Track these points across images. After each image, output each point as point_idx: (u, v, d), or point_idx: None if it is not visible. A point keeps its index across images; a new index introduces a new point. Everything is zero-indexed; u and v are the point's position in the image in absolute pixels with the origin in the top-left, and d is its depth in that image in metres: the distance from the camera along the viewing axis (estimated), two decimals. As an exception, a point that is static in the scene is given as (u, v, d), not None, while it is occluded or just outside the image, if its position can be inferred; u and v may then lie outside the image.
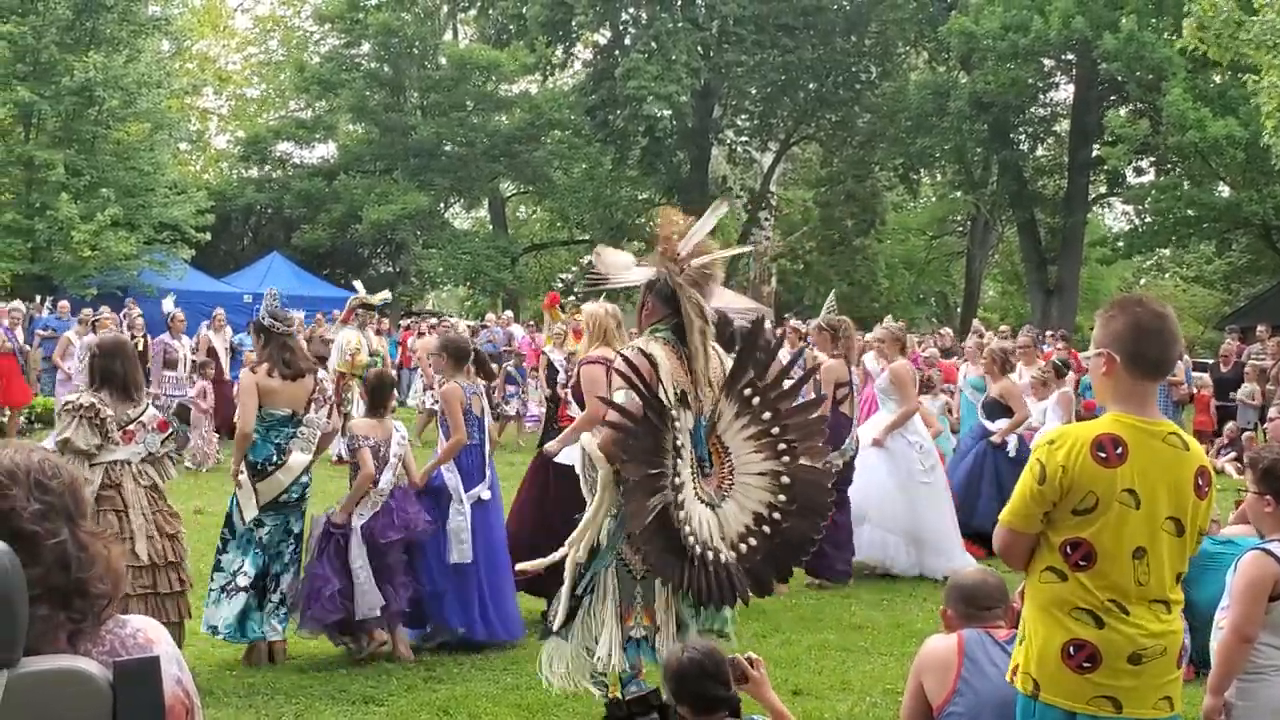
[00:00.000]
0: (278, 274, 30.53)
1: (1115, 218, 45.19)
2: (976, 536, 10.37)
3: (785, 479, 5.02)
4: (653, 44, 34.84)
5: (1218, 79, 27.95)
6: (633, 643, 5.04)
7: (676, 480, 4.78)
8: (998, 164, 35.22)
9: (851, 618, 8.71)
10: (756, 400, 5.04)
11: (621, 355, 5.04)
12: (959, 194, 39.78)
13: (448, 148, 36.69)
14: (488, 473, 7.79)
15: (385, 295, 17.85)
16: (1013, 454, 11.00)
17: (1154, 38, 27.57)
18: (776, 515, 4.99)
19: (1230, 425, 17.69)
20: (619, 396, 4.97)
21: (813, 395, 6.90)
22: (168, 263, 27.65)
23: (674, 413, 4.83)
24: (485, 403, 7.98)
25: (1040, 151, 38.42)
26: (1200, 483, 3.53)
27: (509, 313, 29.73)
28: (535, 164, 37.18)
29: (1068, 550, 3.48)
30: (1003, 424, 11.25)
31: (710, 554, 4.78)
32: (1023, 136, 36.20)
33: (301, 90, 39.34)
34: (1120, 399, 3.54)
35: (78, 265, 25.40)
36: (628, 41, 37.11)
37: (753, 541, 4.93)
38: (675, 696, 4.12)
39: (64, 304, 21.70)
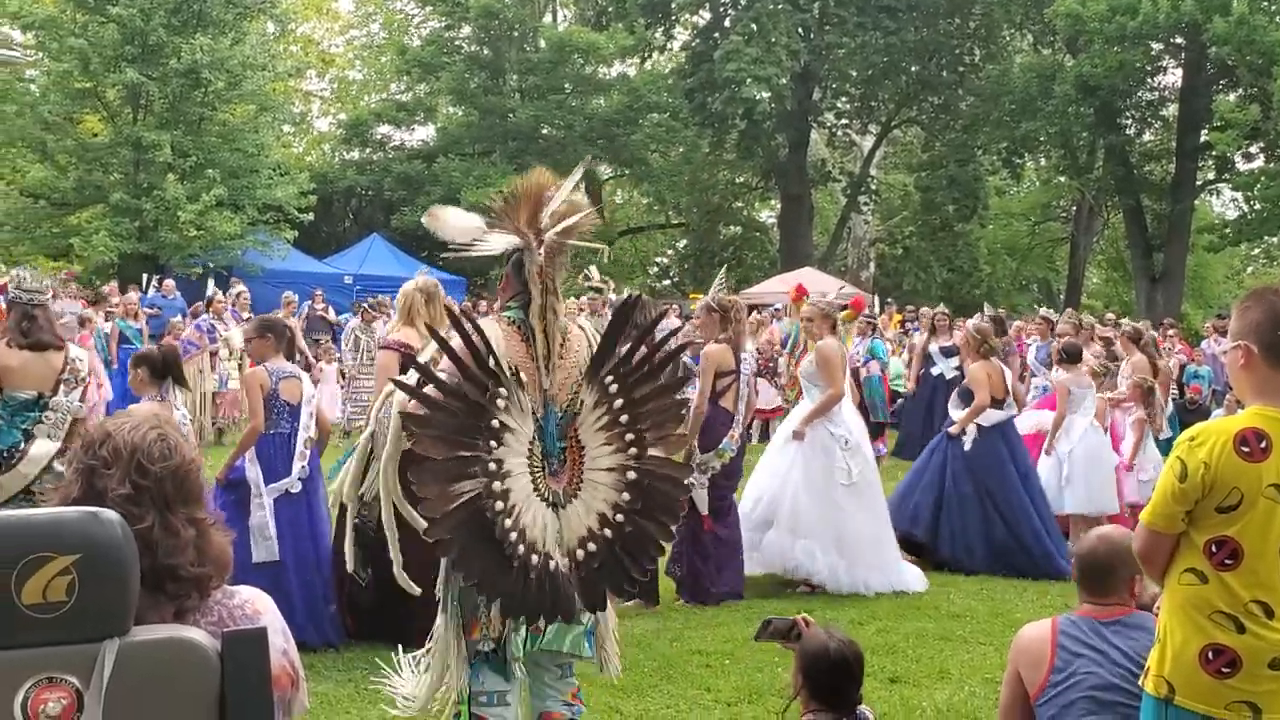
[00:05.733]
0: (377, 255, 30.90)
1: (1223, 204, 44.22)
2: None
3: (631, 474, 4.35)
4: (752, 26, 34.65)
5: (1331, 64, 27.23)
6: (480, 657, 4.37)
7: (493, 467, 4.12)
8: (1104, 149, 34.59)
9: (950, 606, 8.62)
10: (615, 388, 4.38)
11: (442, 330, 4.51)
12: (1064, 179, 39.04)
13: (545, 130, 36.80)
14: (300, 464, 7.18)
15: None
16: (968, 447, 9.85)
17: (1265, 21, 26.94)
18: (619, 517, 4.32)
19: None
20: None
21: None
22: (271, 243, 28.10)
23: (502, 390, 4.19)
24: (308, 388, 7.42)
25: (1147, 136, 37.63)
26: None
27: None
28: (632, 147, 37.13)
29: (1212, 550, 3.38)
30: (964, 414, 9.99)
31: (536, 558, 4.13)
32: (1129, 121, 35.49)
33: (402, 73, 39.70)
34: (1260, 392, 3.42)
35: (184, 245, 25.90)
36: (727, 24, 36.96)
37: (592, 547, 4.28)
38: (804, 675, 4.06)
39: (169, 283, 22.11)
